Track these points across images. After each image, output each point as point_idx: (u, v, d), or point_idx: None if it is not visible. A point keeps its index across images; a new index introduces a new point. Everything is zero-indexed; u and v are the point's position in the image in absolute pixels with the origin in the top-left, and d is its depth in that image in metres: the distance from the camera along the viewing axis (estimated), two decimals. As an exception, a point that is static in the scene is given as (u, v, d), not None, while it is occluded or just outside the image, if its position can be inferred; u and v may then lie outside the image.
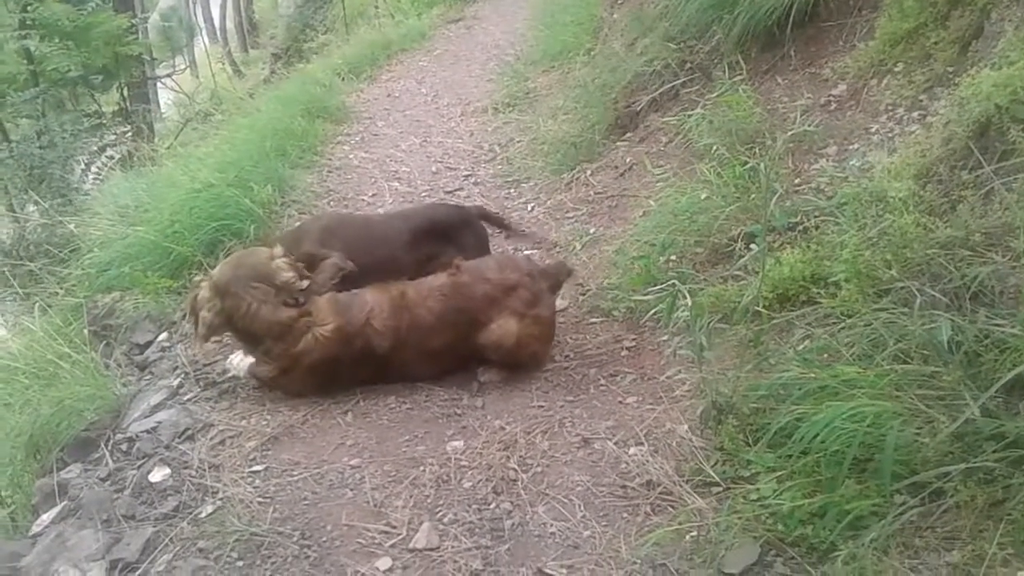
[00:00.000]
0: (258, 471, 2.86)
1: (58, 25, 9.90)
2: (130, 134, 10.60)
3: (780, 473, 2.39)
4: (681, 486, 2.57)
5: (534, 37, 9.66)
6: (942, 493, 2.18)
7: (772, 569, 2.22)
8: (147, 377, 3.76)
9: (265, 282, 3.24)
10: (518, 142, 6.43)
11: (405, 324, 3.23)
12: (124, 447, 3.13)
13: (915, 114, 3.55)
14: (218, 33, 24.72)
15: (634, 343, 3.46)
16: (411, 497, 2.67)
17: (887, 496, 2.22)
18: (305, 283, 3.31)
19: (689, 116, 4.52)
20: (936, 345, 2.44)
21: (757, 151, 3.92)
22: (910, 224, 2.84)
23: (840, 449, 2.28)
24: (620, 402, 3.09)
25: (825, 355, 2.70)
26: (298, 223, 4.91)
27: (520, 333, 3.23)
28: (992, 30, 3.34)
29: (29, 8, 9.55)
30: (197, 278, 3.47)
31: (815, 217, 3.38)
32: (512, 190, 5.56)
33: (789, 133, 3.33)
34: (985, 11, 3.42)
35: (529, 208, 5.16)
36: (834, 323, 2.78)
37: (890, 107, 3.71)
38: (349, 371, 3.26)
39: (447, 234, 3.93)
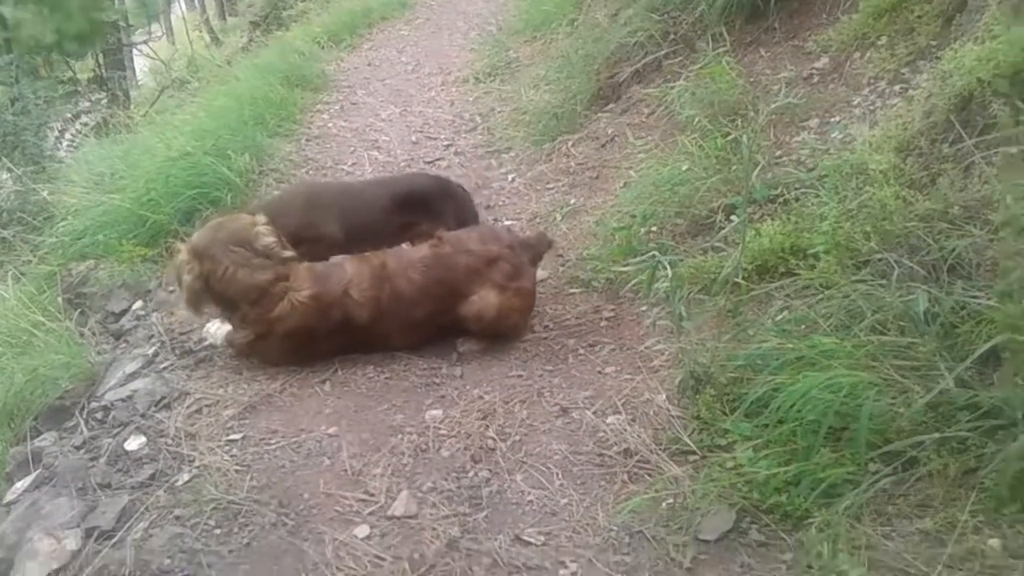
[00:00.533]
0: (235, 439, 2.84)
1: (33, -10, 9.72)
2: (105, 101, 10.46)
3: (756, 442, 2.40)
4: (658, 454, 2.58)
5: (516, 7, 9.58)
6: (916, 462, 2.21)
7: (747, 536, 2.24)
8: (122, 345, 3.72)
9: (244, 246, 3.20)
10: (499, 112, 6.39)
11: (385, 295, 3.21)
12: (99, 415, 3.10)
13: (897, 87, 3.56)
14: (195, 0, 24.32)
15: (613, 313, 3.46)
16: (389, 465, 2.67)
17: (861, 465, 2.23)
18: (289, 252, 3.27)
19: (672, 88, 4.52)
20: (913, 316, 2.47)
21: (739, 123, 3.92)
22: (890, 197, 2.85)
23: (816, 418, 2.30)
24: (599, 372, 3.09)
25: (803, 326, 2.71)
26: (277, 192, 4.86)
27: (501, 305, 3.22)
28: (976, 4, 3.34)
29: (3, -27, 9.37)
30: (179, 244, 3.43)
31: (795, 189, 3.39)
32: (493, 160, 5.52)
33: (772, 106, 3.32)
34: (968, -16, 3.42)
35: (510, 179, 5.13)
36: (812, 294, 2.80)
37: (872, 80, 3.71)
38: (326, 340, 3.24)
39: (427, 203, 3.91)
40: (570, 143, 5.22)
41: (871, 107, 3.61)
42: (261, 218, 3.33)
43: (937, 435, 2.18)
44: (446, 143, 5.94)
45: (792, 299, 2.86)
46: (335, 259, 3.43)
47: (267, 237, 3.24)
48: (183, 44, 17.11)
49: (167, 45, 17.41)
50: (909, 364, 2.38)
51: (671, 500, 2.38)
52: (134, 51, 14.55)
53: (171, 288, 3.82)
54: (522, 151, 5.49)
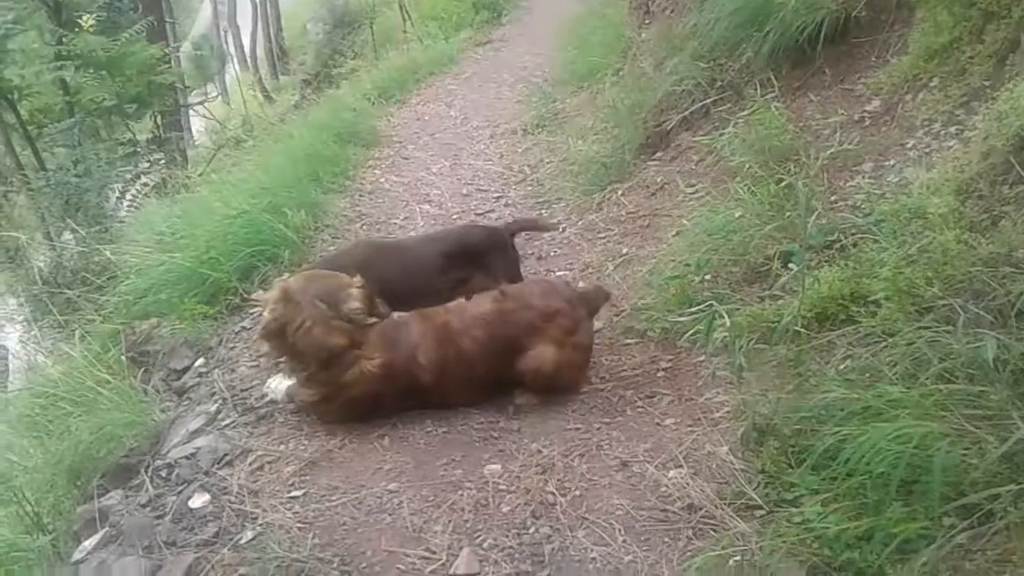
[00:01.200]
0: (297, 496, 2.86)
1: (93, 56, 10.09)
2: (164, 161, 10.76)
3: (824, 496, 2.35)
4: (723, 509, 2.53)
5: (562, 58, 9.70)
6: (992, 515, 2.14)
7: (819, 594, 2.18)
8: (185, 403, 3.79)
9: (330, 304, 3.22)
10: (548, 163, 6.45)
11: (451, 356, 3.21)
12: (164, 473, 3.15)
13: (952, 129, 3.52)
14: (248, 60, 25.05)
15: (670, 364, 3.43)
16: (450, 522, 2.66)
17: (935, 519, 2.17)
18: (372, 320, 3.27)
19: (721, 134, 4.51)
20: (982, 363, 2.40)
21: (791, 169, 3.90)
22: (951, 240, 2.80)
23: (886, 471, 2.24)
24: (658, 424, 3.06)
25: (867, 375, 2.65)
26: (333, 250, 4.94)
27: (559, 361, 3.21)
28: (1029, 43, 3.31)
29: (64, 40, 9.74)
30: (278, 280, 3.48)
31: (852, 235, 3.35)
32: (543, 211, 5.57)
33: (828, 151, 3.30)
34: (1021, 24, 3.40)
35: (561, 229, 5.16)
36: (875, 342, 2.75)
37: (926, 122, 3.67)
38: (391, 404, 3.25)
39: (478, 257, 3.94)
40: (620, 192, 5.24)
41: (926, 149, 3.57)
42: (358, 280, 3.33)
43: (1014, 487, 2.11)
44: (496, 195, 6.01)
45: (855, 347, 2.82)
46: (400, 316, 3.44)
47: (354, 302, 3.22)
48: (237, 103, 17.62)
49: (222, 105, 17.94)
50: (980, 413, 2.32)
51: (738, 557, 2.33)
52: (191, 112, 14.99)
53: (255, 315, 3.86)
54: (572, 201, 5.53)
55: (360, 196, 6.35)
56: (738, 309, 3.31)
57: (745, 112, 4.53)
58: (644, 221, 4.79)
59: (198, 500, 2.92)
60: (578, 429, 3.09)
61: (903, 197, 3.25)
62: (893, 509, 2.21)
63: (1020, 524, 2.10)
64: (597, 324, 3.78)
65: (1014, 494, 2.12)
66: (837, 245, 3.40)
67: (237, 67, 23.68)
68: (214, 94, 18.56)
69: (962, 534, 2.11)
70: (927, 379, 2.45)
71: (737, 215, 3.87)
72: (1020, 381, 2.35)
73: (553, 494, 2.72)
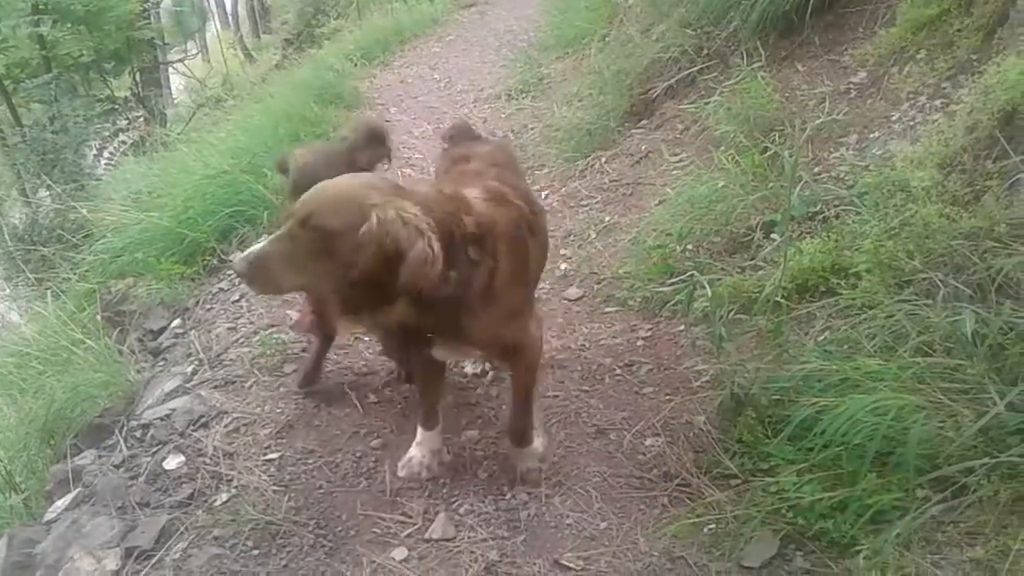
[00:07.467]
0: (273, 459, 2.85)
1: (70, 9, 9.89)
2: (142, 119, 10.59)
3: (800, 466, 2.36)
4: (699, 478, 2.54)
5: (547, 23, 9.58)
6: (966, 488, 2.15)
7: (792, 563, 2.20)
8: (160, 363, 3.75)
9: None
10: (532, 129, 6.38)
11: None
12: (138, 434, 3.12)
13: (938, 102, 3.50)
14: (230, 18, 24.68)
15: (650, 333, 3.43)
16: (426, 487, 2.65)
17: (909, 491, 2.19)
18: None
19: (706, 103, 4.48)
20: (960, 337, 2.41)
21: (776, 139, 3.88)
22: (933, 214, 2.80)
23: (862, 442, 2.25)
24: (636, 392, 3.06)
25: (846, 347, 2.66)
26: None
27: None
28: (1018, 17, 3.29)
29: (42, -8, 9.54)
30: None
31: (835, 206, 3.35)
32: (526, 178, 5.51)
33: (817, 122, 3.27)
34: (1010, -3, 3.37)
35: (543, 196, 5.11)
36: (855, 314, 2.75)
37: (912, 95, 3.66)
38: None
39: None
40: (603, 160, 5.20)
41: (911, 122, 3.56)
42: None
43: (988, 460, 2.12)
44: (479, 160, 5.94)
45: (834, 319, 2.82)
46: None
47: None
48: (218, 62, 17.37)
49: (202, 63, 17.68)
50: (957, 387, 2.32)
51: (713, 525, 2.34)
52: (170, 69, 14.75)
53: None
54: (555, 168, 5.48)
55: (341, 158, 6.25)
56: (719, 279, 3.30)
57: (731, 81, 4.49)
58: (627, 189, 4.76)
59: (172, 461, 2.90)
60: (556, 396, 3.09)
61: (887, 170, 3.24)
62: (868, 480, 2.22)
63: (993, 497, 2.12)
64: (577, 292, 3.78)
65: (988, 468, 2.13)
66: (820, 217, 3.39)
67: (218, 25, 23.30)
68: (194, 52, 18.26)
69: (936, 506, 2.13)
70: (905, 352, 2.45)
71: (720, 185, 3.85)
72: (997, 355, 2.35)
73: (530, 460, 2.72)
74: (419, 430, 2.72)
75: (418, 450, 2.71)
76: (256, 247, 2.12)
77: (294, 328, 3.52)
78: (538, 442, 2.69)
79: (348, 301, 2.15)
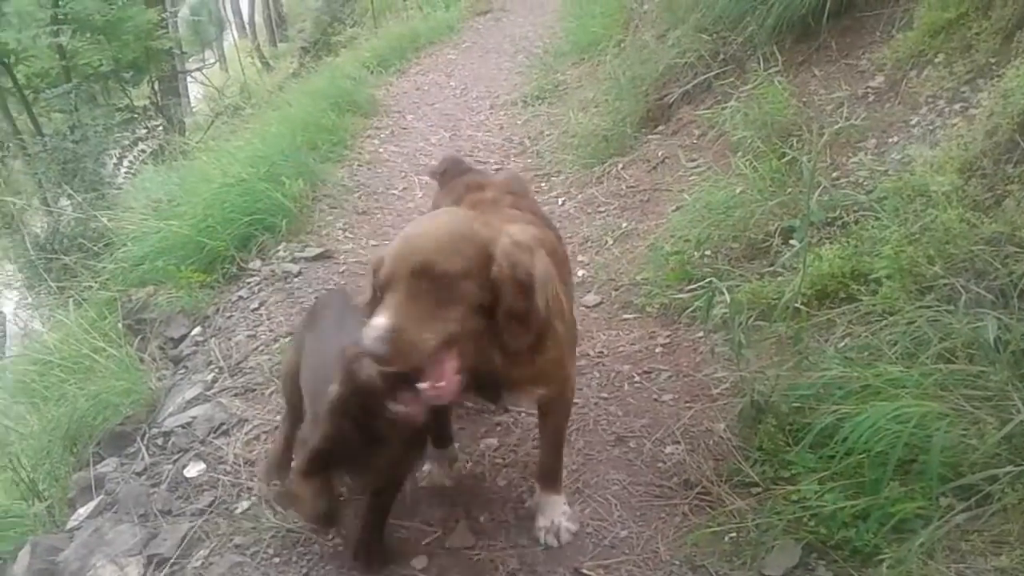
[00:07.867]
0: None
1: (90, 20, 10.00)
2: (161, 128, 10.69)
3: (822, 474, 2.34)
4: (719, 486, 2.53)
5: (563, 29, 9.59)
6: (990, 497, 2.13)
7: (814, 572, 2.19)
8: (181, 371, 3.77)
9: None
10: (548, 135, 6.39)
11: None
12: (159, 441, 3.14)
13: (957, 106, 3.48)
14: (247, 27, 24.82)
15: (669, 340, 3.42)
16: (446, 495, 2.66)
17: (933, 499, 2.17)
18: None
19: (723, 109, 4.47)
20: (982, 344, 2.39)
21: (793, 144, 3.86)
22: (954, 219, 2.78)
23: (884, 450, 2.23)
24: (655, 400, 3.06)
25: (867, 354, 2.64)
26: None
27: None
28: (1038, 20, 3.27)
29: (61, 3, 9.63)
30: None
31: (854, 212, 3.33)
32: (543, 184, 5.53)
33: (835, 127, 3.26)
34: (1030, 0, 3.35)
35: (560, 202, 5.13)
36: (876, 321, 2.74)
37: (930, 99, 3.63)
38: None
39: None
40: (620, 166, 5.20)
41: (930, 127, 3.53)
42: None
43: (1012, 468, 2.10)
44: (496, 167, 5.95)
45: (855, 325, 2.80)
46: None
47: None
48: (236, 71, 17.48)
49: (220, 72, 17.79)
50: (980, 394, 2.31)
51: (734, 534, 2.34)
52: (188, 78, 14.87)
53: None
54: (572, 174, 5.49)
55: (358, 166, 6.30)
56: (738, 285, 3.29)
57: (748, 86, 4.48)
58: (644, 195, 4.75)
59: (193, 469, 2.92)
60: (575, 404, 3.06)
61: (906, 175, 3.22)
62: (891, 489, 2.20)
63: (1018, 506, 2.10)
64: (595, 299, 3.78)
65: (1013, 476, 2.11)
66: (839, 222, 3.38)
67: (235, 33, 23.48)
68: (212, 61, 18.38)
69: (960, 515, 2.11)
70: (927, 359, 2.44)
71: (738, 191, 3.84)
72: (1021, 362, 2.33)
73: (550, 468, 2.72)
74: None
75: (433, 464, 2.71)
76: (376, 323, 1.80)
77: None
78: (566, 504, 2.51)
79: (482, 347, 1.96)
